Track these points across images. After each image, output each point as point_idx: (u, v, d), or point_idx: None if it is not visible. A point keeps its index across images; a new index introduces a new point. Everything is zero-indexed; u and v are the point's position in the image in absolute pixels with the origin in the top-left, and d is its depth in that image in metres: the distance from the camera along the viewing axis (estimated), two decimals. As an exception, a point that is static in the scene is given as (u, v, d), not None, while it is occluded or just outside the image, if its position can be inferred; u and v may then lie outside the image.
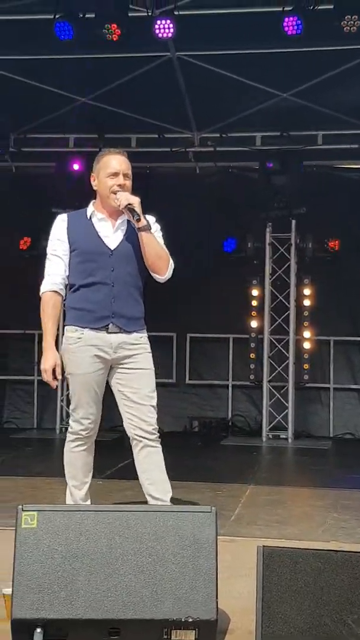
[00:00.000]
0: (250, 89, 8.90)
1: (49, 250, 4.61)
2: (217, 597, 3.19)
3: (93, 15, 7.29)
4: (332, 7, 7.03)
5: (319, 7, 7.14)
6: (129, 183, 4.58)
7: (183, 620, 3.13)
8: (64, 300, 4.62)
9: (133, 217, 4.47)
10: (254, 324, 9.81)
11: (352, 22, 6.85)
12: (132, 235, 4.57)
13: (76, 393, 4.54)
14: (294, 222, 9.53)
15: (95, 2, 7.29)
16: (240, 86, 8.82)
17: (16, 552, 3.20)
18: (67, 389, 5.27)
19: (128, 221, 4.58)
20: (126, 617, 3.12)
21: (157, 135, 9.84)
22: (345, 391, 9.95)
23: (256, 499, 5.96)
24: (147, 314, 10.29)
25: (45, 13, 7.53)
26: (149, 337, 10.43)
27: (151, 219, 4.62)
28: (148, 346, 4.63)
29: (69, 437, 4.62)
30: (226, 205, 9.85)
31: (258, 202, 9.60)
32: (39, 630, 3.07)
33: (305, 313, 9.69)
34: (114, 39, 7.20)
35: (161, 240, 4.65)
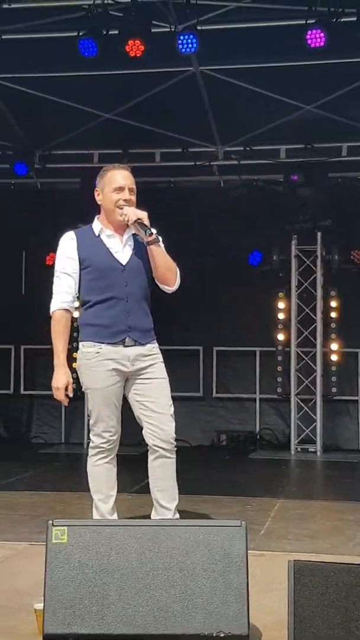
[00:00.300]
0: (274, 102, 8.92)
1: (57, 268, 4.61)
2: (248, 612, 3.17)
3: (116, 32, 7.34)
4: (355, 19, 7.03)
5: (342, 19, 7.15)
6: (134, 198, 4.61)
7: (215, 635, 3.12)
8: (77, 317, 4.67)
9: (145, 232, 4.51)
10: (280, 336, 9.80)
11: (375, 34, 6.87)
12: (139, 249, 4.63)
13: (96, 407, 4.58)
14: (319, 234, 9.53)
15: (119, 19, 7.36)
16: (263, 99, 8.85)
17: (47, 567, 3.21)
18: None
19: (134, 235, 4.63)
20: (157, 632, 3.11)
21: (181, 150, 9.89)
22: (373, 403, 9.91)
23: (286, 513, 5.94)
24: (173, 328, 10.38)
25: (69, 31, 7.60)
26: (175, 351, 10.49)
27: (152, 230, 4.64)
28: (161, 356, 4.69)
29: (91, 451, 4.68)
30: (251, 218, 9.86)
31: (283, 214, 9.62)
32: (70, 645, 3.08)
33: (332, 325, 9.66)
34: (138, 55, 7.25)
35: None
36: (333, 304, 9.66)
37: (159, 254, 4.58)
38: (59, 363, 4.52)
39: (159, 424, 4.64)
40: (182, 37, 7.29)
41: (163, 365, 4.69)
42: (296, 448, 9.49)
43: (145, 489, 6.82)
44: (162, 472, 4.73)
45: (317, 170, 9.42)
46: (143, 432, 4.69)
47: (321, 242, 9.56)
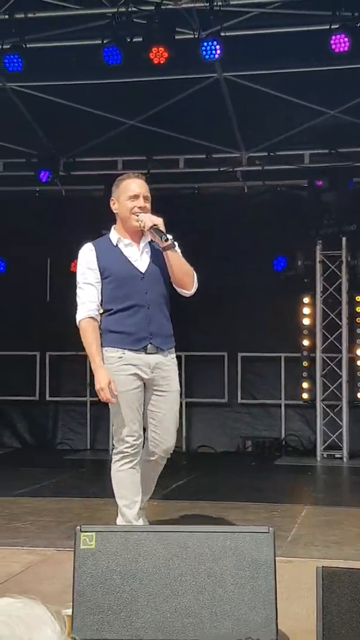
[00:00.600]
0: (298, 107, 8.93)
1: (79, 279, 4.72)
2: (276, 618, 3.17)
3: (140, 39, 7.38)
4: (379, 23, 7.04)
5: (366, 24, 7.15)
6: (148, 205, 4.72)
7: (243, 641, 3.12)
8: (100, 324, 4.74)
9: (161, 237, 4.59)
10: (305, 342, 9.76)
11: None
12: (156, 256, 4.73)
13: (120, 411, 4.65)
14: (344, 239, 9.50)
15: (142, 26, 7.40)
16: (287, 105, 8.86)
17: (75, 573, 3.22)
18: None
19: (150, 242, 4.73)
20: (186, 638, 3.11)
21: (204, 156, 9.91)
22: None
23: (312, 520, 5.92)
24: (198, 334, 10.37)
25: (93, 39, 7.66)
26: (200, 357, 10.53)
27: (170, 237, 4.72)
28: (176, 367, 4.89)
29: (115, 457, 4.74)
30: (275, 223, 9.84)
31: (307, 219, 9.60)
32: (99, 651, 3.09)
33: (358, 330, 9.62)
34: (161, 62, 7.29)
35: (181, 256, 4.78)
36: (359, 309, 9.61)
37: (176, 259, 4.68)
38: (96, 366, 4.63)
39: (163, 436, 4.78)
40: (205, 44, 7.33)
41: (177, 375, 4.86)
42: (322, 454, 9.45)
43: (172, 495, 6.87)
44: (150, 472, 4.87)
45: (341, 175, 9.40)
46: (147, 435, 4.81)
47: (346, 247, 9.53)
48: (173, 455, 9.86)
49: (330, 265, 9.65)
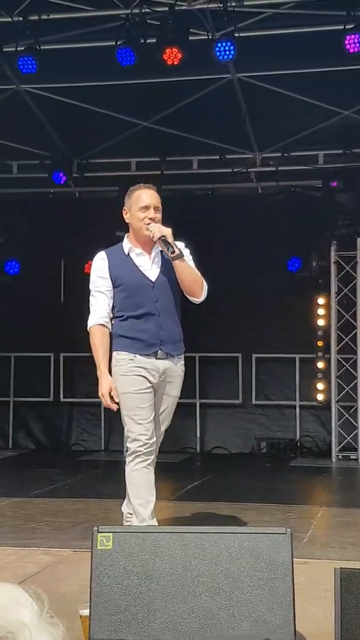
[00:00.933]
0: (312, 108, 8.90)
1: (92, 287, 4.89)
2: (294, 620, 3.16)
3: (154, 41, 7.38)
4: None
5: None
6: (159, 215, 4.86)
7: (260, 642, 3.11)
8: (111, 329, 4.89)
9: (167, 248, 4.74)
10: (320, 343, 9.74)
11: None
12: (166, 265, 4.86)
13: (131, 410, 4.77)
14: (359, 239, 9.47)
15: (156, 27, 7.40)
16: (301, 105, 8.82)
17: (92, 574, 3.22)
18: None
19: (161, 251, 4.84)
20: (203, 639, 3.11)
21: (218, 157, 9.90)
22: None
23: (329, 521, 5.91)
24: (212, 335, 10.37)
25: (106, 40, 7.66)
26: (214, 358, 10.52)
27: (180, 244, 4.89)
28: (183, 373, 4.99)
29: (129, 458, 4.81)
30: (289, 224, 9.82)
31: (322, 220, 9.58)
32: (117, 651, 3.09)
33: (373, 331, 9.60)
34: (175, 63, 7.29)
35: (192, 264, 4.91)
36: (374, 309, 9.59)
37: (183, 269, 4.80)
38: (101, 372, 4.77)
39: (156, 432, 4.89)
40: (219, 45, 7.31)
41: (181, 382, 4.99)
42: (337, 456, 9.43)
43: (187, 496, 6.87)
44: None
45: (356, 175, 9.37)
46: None
47: (361, 248, 9.51)
48: (187, 456, 9.90)
49: (345, 266, 9.63)
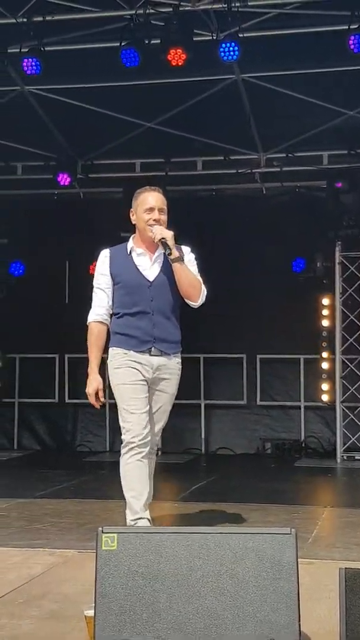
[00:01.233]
0: (316, 108, 8.89)
1: (94, 283, 5.05)
2: (299, 620, 3.16)
3: (158, 41, 7.38)
4: None
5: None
6: (164, 217, 4.96)
7: (265, 642, 3.11)
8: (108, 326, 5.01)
9: (165, 250, 4.84)
10: (325, 344, 9.73)
11: None
12: (168, 267, 4.95)
13: (125, 402, 4.86)
14: (363, 240, 9.47)
15: (160, 28, 7.40)
16: (305, 106, 8.82)
17: (97, 574, 3.22)
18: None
19: (164, 253, 4.92)
20: (209, 639, 3.11)
21: (222, 158, 9.91)
22: None
23: (333, 521, 5.91)
24: (216, 335, 10.35)
25: (111, 41, 7.67)
26: (219, 359, 10.52)
27: (186, 249, 5.03)
28: (179, 372, 5.06)
29: (123, 450, 4.88)
30: (294, 225, 9.81)
31: (326, 221, 9.57)
32: (121, 651, 3.09)
33: (378, 332, 9.59)
34: (180, 64, 7.29)
35: (195, 269, 5.01)
36: (379, 310, 9.59)
37: (181, 272, 4.89)
38: (90, 370, 4.91)
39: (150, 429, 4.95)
40: (224, 45, 7.32)
41: (177, 381, 5.04)
42: (342, 456, 9.42)
43: (192, 497, 6.87)
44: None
45: (361, 175, 9.37)
46: None
47: (365, 248, 9.51)
48: (192, 457, 9.90)
49: (349, 266, 9.62)
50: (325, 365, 9.72)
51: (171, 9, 7.30)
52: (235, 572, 3.22)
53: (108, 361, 4.96)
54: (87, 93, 8.89)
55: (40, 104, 9.20)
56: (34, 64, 7.68)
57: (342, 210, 9.34)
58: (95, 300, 5.01)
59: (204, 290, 4.97)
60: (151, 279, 4.94)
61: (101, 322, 4.96)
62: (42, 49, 7.72)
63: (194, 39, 7.42)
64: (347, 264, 9.63)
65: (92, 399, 4.85)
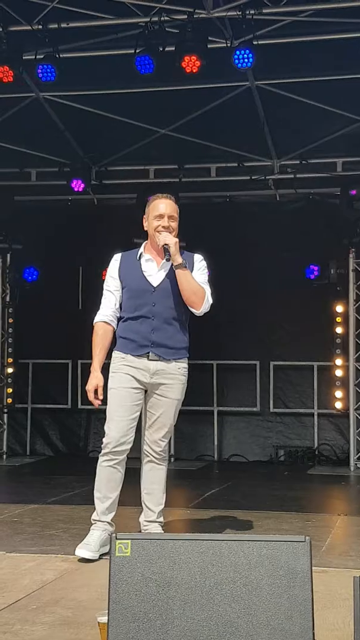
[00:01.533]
0: (330, 115, 8.90)
1: (104, 285, 5.16)
2: (313, 628, 3.15)
3: (173, 48, 7.40)
4: None
5: None
6: (174, 224, 5.01)
7: (279, 651, 3.10)
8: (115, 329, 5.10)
9: (165, 255, 4.90)
10: (338, 350, 9.71)
11: None
12: (174, 274, 4.97)
13: (111, 407, 4.96)
14: (378, 247, 9.46)
15: (175, 35, 7.42)
16: (319, 113, 8.82)
17: (111, 581, 3.21)
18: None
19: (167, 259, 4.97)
20: (222, 647, 3.11)
21: (236, 164, 9.91)
22: None
23: (347, 530, 5.89)
24: (229, 342, 10.33)
25: (126, 48, 7.69)
26: (232, 366, 10.47)
27: (197, 257, 5.12)
28: (184, 377, 5.06)
29: (101, 452, 5.00)
30: (308, 232, 9.81)
31: (340, 228, 9.56)
32: (134, 659, 3.08)
33: (392, 339, 9.56)
34: (194, 71, 7.31)
35: (204, 278, 5.05)
36: (392, 317, 9.56)
37: (184, 278, 4.93)
38: (93, 368, 5.00)
39: (153, 437, 5.07)
40: (238, 52, 7.32)
41: (183, 386, 5.06)
42: (356, 464, 9.39)
43: (204, 504, 6.87)
44: (150, 477, 5.13)
45: (375, 183, 9.35)
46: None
47: (380, 255, 9.49)
48: (205, 464, 9.87)
49: (363, 273, 9.61)
50: (338, 373, 9.69)
51: (186, 16, 7.31)
52: (250, 580, 3.21)
53: (110, 363, 5.06)
54: (102, 99, 8.93)
55: (54, 110, 9.24)
56: (49, 70, 7.72)
57: (356, 217, 9.33)
58: (103, 302, 5.11)
59: (207, 299, 4.99)
60: (155, 284, 4.99)
61: (106, 323, 5.05)
62: (57, 55, 7.76)
63: (209, 46, 7.43)
64: (361, 270, 9.62)
65: (90, 396, 4.93)
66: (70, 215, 10.53)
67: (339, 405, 9.70)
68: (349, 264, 9.61)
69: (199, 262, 5.09)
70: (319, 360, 9.92)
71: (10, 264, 10.34)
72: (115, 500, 5.02)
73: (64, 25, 7.61)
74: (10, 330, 10.34)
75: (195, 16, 7.28)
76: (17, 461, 10.05)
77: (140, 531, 5.08)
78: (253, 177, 9.96)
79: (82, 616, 3.70)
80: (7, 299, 10.36)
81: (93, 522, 5.00)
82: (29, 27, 7.59)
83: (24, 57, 7.77)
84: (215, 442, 10.19)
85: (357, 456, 9.44)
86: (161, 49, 7.51)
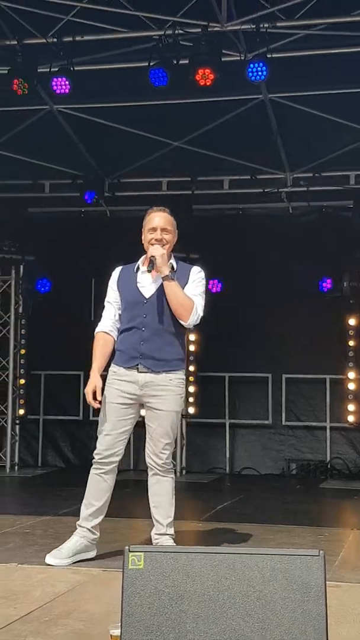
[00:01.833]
0: (343, 128, 8.91)
1: (106, 297, 5.29)
2: (327, 643, 3.13)
3: (187, 62, 7.43)
4: None
5: None
6: (167, 237, 5.10)
7: (293, 666, 3.08)
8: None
9: (148, 266, 4.99)
10: (351, 364, 9.68)
11: None
12: None
13: (100, 420, 5.12)
14: (390, 260, 9.43)
15: (189, 48, 7.45)
16: (332, 126, 8.84)
17: (124, 593, 3.20)
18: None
19: (171, 272, 5.03)
20: (235, 661, 3.09)
21: (249, 177, 9.92)
22: None
23: (360, 544, 5.86)
24: (242, 355, 10.29)
25: (140, 61, 7.73)
26: (244, 378, 10.43)
27: (195, 269, 5.18)
28: (178, 388, 5.09)
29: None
30: (320, 244, 9.79)
31: (353, 240, 9.55)
32: (147, 672, 3.07)
33: None
34: (208, 84, 7.33)
35: (199, 289, 5.08)
36: None
37: (169, 289, 4.99)
38: (92, 371, 5.10)
39: (154, 448, 5.12)
40: (252, 65, 7.34)
41: (177, 397, 5.09)
42: (368, 478, 9.35)
43: (216, 517, 6.84)
44: (156, 489, 5.17)
45: (388, 195, 9.35)
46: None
47: (392, 268, 9.46)
48: (217, 477, 9.83)
49: (376, 286, 9.58)
50: (351, 386, 9.66)
51: (200, 30, 7.34)
52: (263, 594, 3.19)
53: None
54: (116, 112, 8.97)
55: (68, 123, 9.29)
56: (63, 83, 7.77)
57: (370, 230, 9.32)
58: (103, 314, 5.24)
59: (196, 311, 5.02)
60: (147, 295, 5.06)
61: (106, 333, 5.16)
62: (71, 68, 7.80)
63: (222, 59, 7.45)
64: (374, 283, 9.60)
65: (89, 397, 5.01)
66: (83, 227, 10.55)
67: (351, 418, 9.66)
68: (361, 277, 9.59)
69: (196, 274, 5.14)
70: (332, 373, 9.89)
71: (23, 275, 10.35)
72: (101, 509, 5.15)
73: (78, 38, 7.66)
74: (22, 341, 10.35)
75: (209, 29, 7.31)
76: (28, 472, 10.05)
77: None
78: (266, 190, 9.96)
79: (94, 629, 3.69)
80: (20, 310, 10.37)
81: (77, 524, 5.17)
82: (44, 40, 7.65)
83: (38, 70, 7.81)
84: (227, 455, 10.16)
85: (369, 470, 9.39)
86: (175, 62, 7.54)
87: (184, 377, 5.21)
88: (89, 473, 5.30)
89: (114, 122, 9.10)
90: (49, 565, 4.91)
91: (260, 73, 7.36)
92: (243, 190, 10.10)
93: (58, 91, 7.84)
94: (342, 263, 9.72)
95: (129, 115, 8.97)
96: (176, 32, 7.46)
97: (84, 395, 10.41)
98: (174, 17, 7.39)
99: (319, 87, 8.37)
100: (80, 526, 5.15)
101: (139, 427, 5.23)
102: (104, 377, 5.12)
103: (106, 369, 5.21)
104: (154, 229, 5.07)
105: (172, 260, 5.14)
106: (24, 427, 10.61)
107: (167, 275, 4.96)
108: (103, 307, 10.29)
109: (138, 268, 5.16)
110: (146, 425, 5.12)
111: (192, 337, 9.79)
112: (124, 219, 10.42)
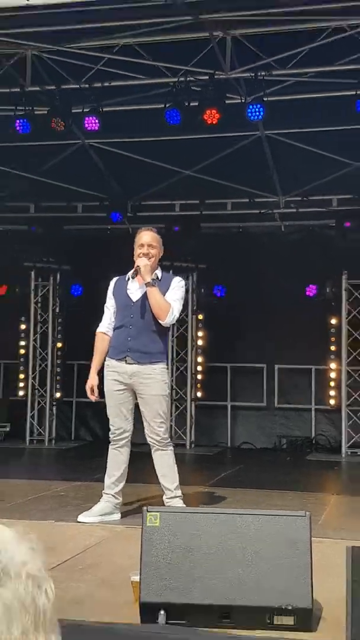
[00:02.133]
0: (328, 160, 8.87)
1: (106, 302, 5.33)
2: (312, 589, 3.13)
3: (196, 104, 7.43)
4: None
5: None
6: (153, 251, 5.15)
7: (283, 607, 3.09)
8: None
9: (131, 275, 5.11)
10: (333, 356, 9.66)
11: None
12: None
13: (108, 406, 5.18)
14: (366, 270, 9.40)
15: (198, 92, 7.45)
16: (318, 158, 8.81)
17: (142, 547, 3.23)
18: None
19: (153, 279, 5.08)
20: (235, 603, 3.10)
21: (248, 200, 9.91)
22: None
23: (340, 507, 5.84)
24: (242, 349, 10.23)
25: (157, 103, 7.74)
26: (243, 368, 10.37)
27: (176, 279, 5.26)
28: (160, 376, 5.10)
29: None
30: (308, 256, 9.77)
31: (335, 254, 9.53)
32: (162, 612, 3.08)
33: (378, 346, 9.49)
34: (214, 122, 7.33)
35: (178, 294, 5.14)
36: (378, 328, 9.49)
37: (150, 294, 5.04)
38: (90, 370, 5.21)
39: (150, 428, 5.14)
40: (251, 107, 7.35)
41: (161, 383, 5.11)
42: (347, 452, 9.31)
43: (220, 483, 6.84)
44: (159, 461, 5.18)
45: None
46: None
47: (368, 277, 9.43)
48: (220, 450, 9.78)
49: (354, 292, 9.55)
50: (333, 375, 9.63)
51: (207, 77, 7.34)
52: (258, 547, 3.20)
53: None
54: (137, 146, 8.97)
55: (97, 155, 9.30)
56: (93, 121, 7.78)
57: (348, 245, 9.29)
58: (103, 316, 5.29)
59: (172, 313, 5.04)
60: (134, 299, 5.12)
61: (104, 333, 5.22)
62: (100, 109, 7.81)
63: (226, 101, 7.45)
64: (352, 290, 9.56)
65: (88, 393, 5.13)
66: (109, 242, 10.53)
67: (332, 402, 9.64)
68: (341, 284, 9.56)
69: (177, 282, 5.19)
70: (316, 364, 9.87)
71: (60, 282, 10.38)
72: (121, 477, 5.16)
73: (106, 84, 7.68)
74: (59, 336, 10.37)
75: (215, 77, 7.31)
76: (63, 445, 10.06)
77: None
78: (262, 211, 9.95)
79: (118, 577, 3.70)
80: (57, 310, 10.39)
81: (102, 494, 5.21)
82: (78, 86, 7.67)
83: (72, 110, 7.83)
84: (229, 432, 10.16)
85: (348, 445, 9.36)
86: (187, 104, 7.54)
87: (167, 366, 5.27)
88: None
89: (136, 154, 9.10)
90: (80, 522, 4.92)
91: (257, 113, 7.36)
92: (243, 211, 10.09)
93: (89, 128, 7.86)
94: (325, 273, 9.69)
95: (148, 149, 8.97)
96: (188, 79, 7.47)
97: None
98: (186, 66, 7.39)
99: (307, 125, 8.35)
100: (105, 493, 5.17)
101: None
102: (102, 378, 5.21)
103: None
104: (142, 245, 5.13)
105: (158, 271, 5.19)
106: (60, 408, 10.61)
107: (149, 282, 5.01)
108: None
109: (129, 278, 5.21)
110: (140, 410, 5.15)
111: (199, 333, 9.83)
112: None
